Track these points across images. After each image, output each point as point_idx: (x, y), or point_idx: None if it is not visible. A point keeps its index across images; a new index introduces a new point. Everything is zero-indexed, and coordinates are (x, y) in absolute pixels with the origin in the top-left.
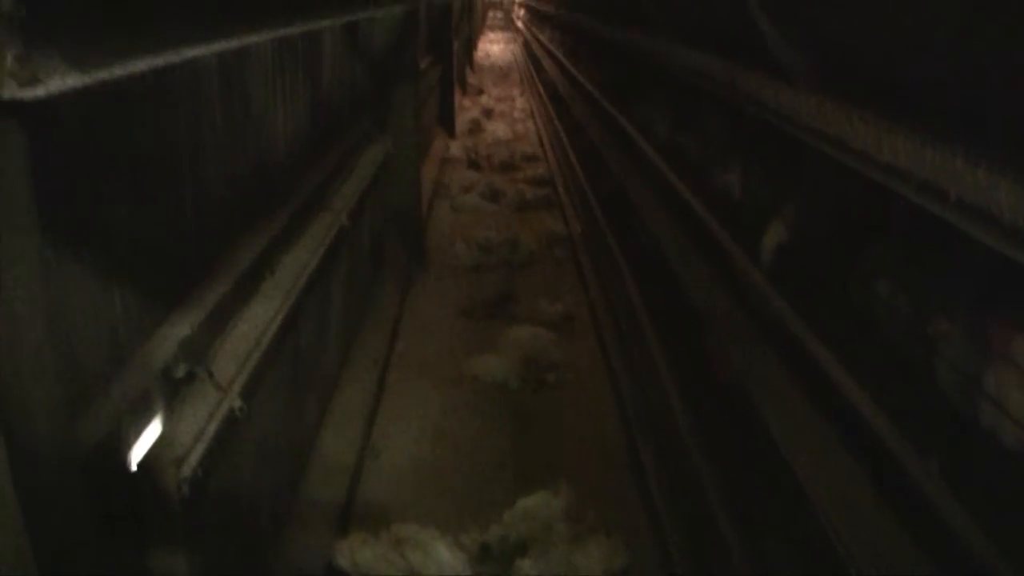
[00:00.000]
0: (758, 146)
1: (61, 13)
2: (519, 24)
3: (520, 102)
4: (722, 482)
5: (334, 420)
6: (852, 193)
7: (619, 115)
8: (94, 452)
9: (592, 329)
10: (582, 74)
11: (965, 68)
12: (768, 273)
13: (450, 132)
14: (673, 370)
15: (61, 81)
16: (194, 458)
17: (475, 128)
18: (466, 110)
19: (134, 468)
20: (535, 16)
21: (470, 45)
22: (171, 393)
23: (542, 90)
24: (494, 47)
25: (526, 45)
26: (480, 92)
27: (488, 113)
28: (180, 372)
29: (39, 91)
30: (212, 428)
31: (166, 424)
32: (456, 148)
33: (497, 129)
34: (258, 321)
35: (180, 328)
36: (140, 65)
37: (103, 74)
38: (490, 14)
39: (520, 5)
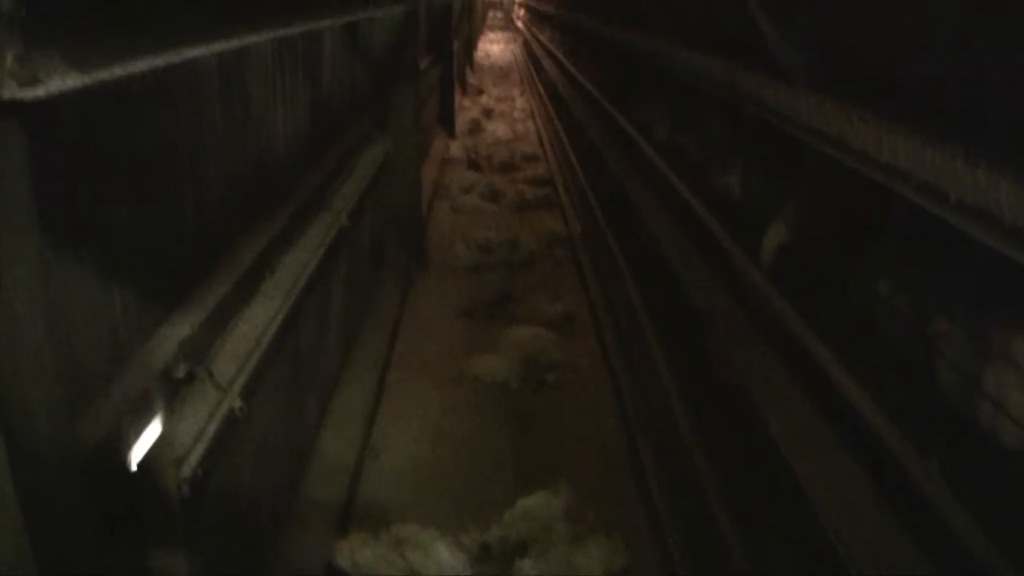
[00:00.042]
0: (758, 146)
1: (61, 13)
2: (519, 24)
3: (520, 102)
4: (722, 482)
5: (334, 420)
6: (852, 193)
7: (619, 115)
8: (94, 452)
9: (592, 329)
10: (582, 74)
11: (965, 67)
12: (768, 273)
13: (450, 132)
14: (673, 370)
15: (61, 81)
16: (194, 458)
17: (475, 128)
18: (466, 110)
19: (134, 468)
20: (535, 16)
21: (470, 45)
22: (171, 393)
23: (542, 90)
24: (494, 47)
25: (526, 45)
26: (480, 92)
27: (488, 113)
28: (180, 372)
29: (39, 91)
30: (212, 428)
31: (166, 424)
32: (456, 148)
33: (497, 129)
34: (258, 321)
35: (180, 328)
36: (140, 65)
37: (103, 74)
38: (490, 14)
39: (520, 5)
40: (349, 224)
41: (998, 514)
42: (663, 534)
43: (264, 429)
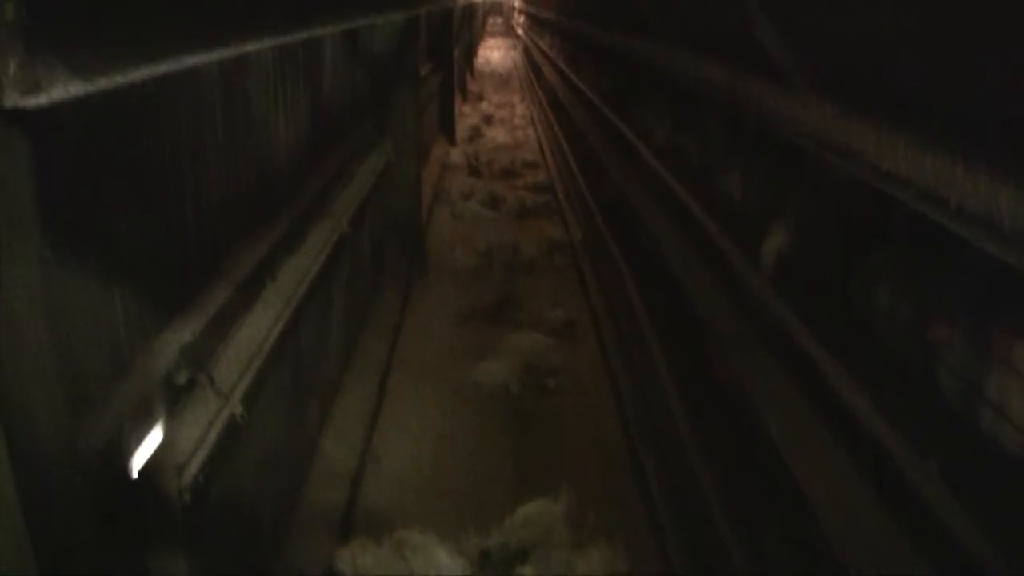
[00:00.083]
0: (758, 151)
1: (63, 21)
2: (519, 31)
3: (520, 108)
4: (722, 486)
5: (335, 425)
6: (853, 199)
7: (619, 121)
8: (96, 458)
9: (592, 335)
10: (582, 80)
11: (965, 70)
12: (769, 278)
13: (450, 138)
14: (674, 375)
15: (63, 89)
16: (195, 464)
17: (475, 134)
18: (466, 116)
19: (136, 474)
20: (535, 22)
21: (470, 51)
22: (172, 399)
23: (542, 96)
24: (494, 53)
25: (526, 51)
26: (480, 98)
27: (488, 119)
28: (181, 378)
29: (41, 99)
30: (213, 434)
31: (167, 430)
32: (456, 154)
33: (497, 135)
34: (259, 327)
35: (181, 334)
36: (141, 73)
37: (105, 82)
38: (490, 20)
39: (520, 12)
40: (350, 230)
41: (999, 517)
42: (664, 539)
43: (265, 435)
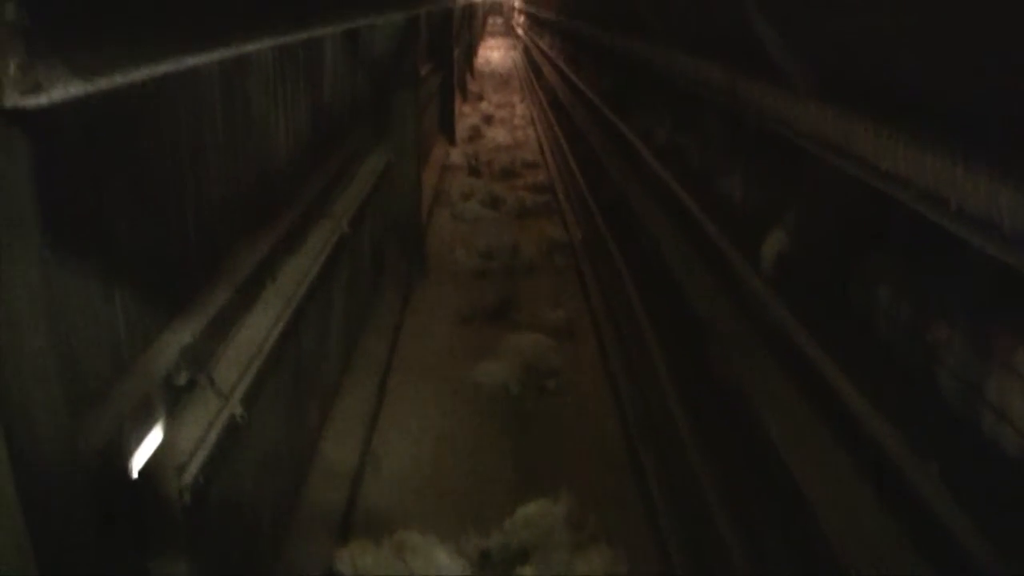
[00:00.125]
0: (758, 152)
1: (64, 22)
2: (519, 31)
3: (520, 108)
4: (723, 487)
5: (335, 426)
6: (853, 200)
7: (619, 122)
8: (96, 458)
9: (592, 335)
10: (582, 81)
11: (965, 71)
12: (769, 279)
13: (450, 139)
14: (674, 376)
15: (64, 89)
16: (195, 465)
17: (475, 135)
18: (466, 116)
19: (136, 475)
20: (535, 23)
21: (470, 52)
22: (172, 400)
23: (542, 96)
24: (494, 53)
25: (526, 51)
26: (480, 98)
27: (488, 119)
28: (182, 379)
29: (42, 99)
30: (213, 435)
31: (167, 431)
32: (456, 155)
33: (497, 136)
34: (259, 328)
35: (181, 335)
36: (141, 74)
37: (105, 82)
38: (490, 20)
39: (520, 12)
40: (350, 231)
41: (999, 519)
42: (664, 541)
43: (265, 435)
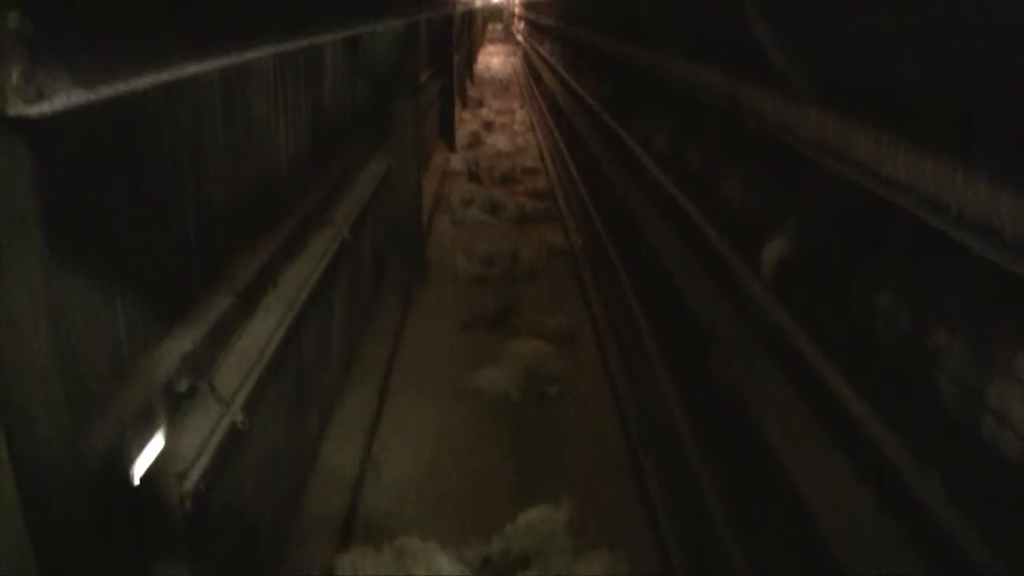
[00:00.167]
0: (759, 158)
1: (66, 30)
2: (519, 37)
3: (520, 115)
4: (724, 493)
5: (336, 433)
6: (853, 205)
7: (619, 128)
8: (97, 465)
9: (593, 342)
10: (582, 87)
11: (965, 75)
12: (769, 285)
13: (450, 145)
14: (674, 382)
15: (66, 98)
16: (197, 472)
17: (475, 141)
18: (466, 123)
19: (137, 481)
20: (534, 29)
21: (470, 58)
22: (174, 407)
23: (542, 103)
24: (494, 59)
25: (526, 58)
26: (480, 105)
27: (488, 126)
28: (182, 386)
29: (44, 108)
30: (215, 442)
31: (169, 438)
32: (456, 161)
33: (497, 142)
34: (260, 335)
35: (182, 342)
36: (144, 82)
37: (107, 90)
38: (490, 27)
39: (519, 18)
40: (351, 237)
41: (999, 523)
42: (665, 546)
43: (266, 442)
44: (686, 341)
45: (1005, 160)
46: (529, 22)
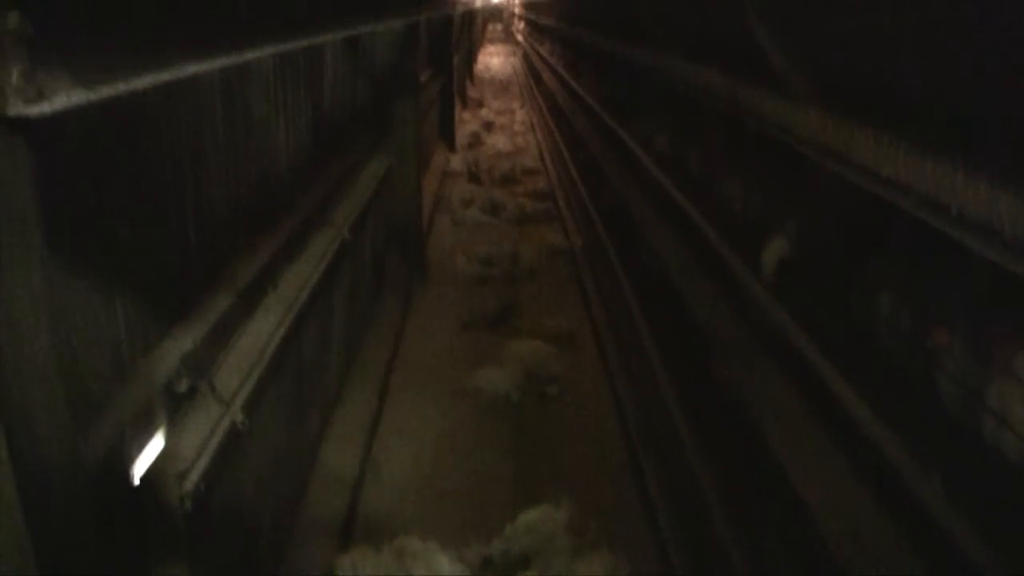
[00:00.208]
0: (759, 159)
1: (66, 30)
2: (519, 37)
3: (520, 115)
4: (724, 494)
5: (336, 433)
6: (853, 206)
7: (619, 128)
8: (97, 465)
9: (593, 342)
10: (582, 87)
11: (965, 75)
12: (769, 286)
13: (450, 145)
14: (674, 383)
15: (66, 98)
16: (197, 472)
17: (475, 141)
18: (466, 123)
19: (137, 482)
20: (535, 29)
21: (470, 58)
22: (174, 407)
23: (542, 103)
24: (494, 60)
25: (526, 58)
26: (480, 105)
27: (488, 126)
28: (182, 386)
29: (44, 108)
30: (215, 442)
31: (169, 438)
32: (456, 161)
33: (497, 142)
34: (260, 335)
35: (182, 342)
36: (144, 82)
37: (108, 91)
38: (489, 27)
39: (520, 18)
40: (351, 238)
41: (1000, 524)
42: (665, 547)
43: (266, 443)
44: (686, 342)
45: (1005, 161)
46: (529, 22)
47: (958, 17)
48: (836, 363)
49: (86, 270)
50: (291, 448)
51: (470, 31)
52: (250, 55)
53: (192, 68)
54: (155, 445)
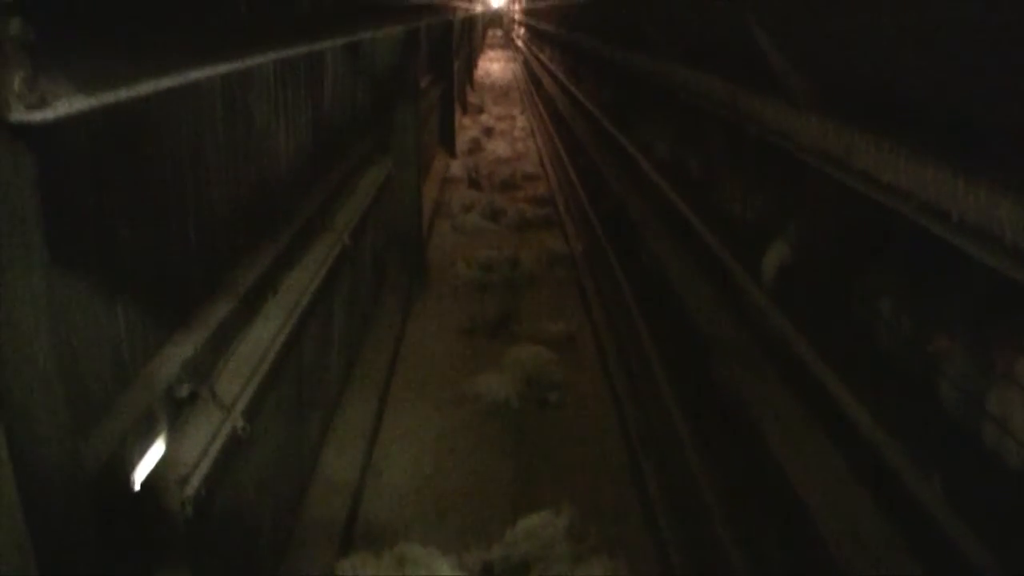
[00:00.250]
0: (759, 165)
1: (68, 36)
2: (519, 43)
3: (520, 121)
4: (725, 498)
5: (336, 439)
6: (854, 212)
7: (619, 134)
8: (99, 471)
9: (593, 348)
10: (582, 93)
11: (966, 83)
12: (770, 291)
13: (451, 151)
14: (675, 388)
15: (68, 104)
16: (198, 478)
17: (475, 147)
18: (466, 129)
19: (138, 487)
20: (535, 35)
21: (470, 64)
22: (174, 413)
23: (542, 109)
24: (494, 65)
25: (526, 64)
26: (480, 111)
27: (488, 132)
28: (183, 392)
29: (47, 114)
30: (215, 448)
31: (170, 444)
32: (457, 167)
33: (497, 148)
34: (261, 341)
35: (183, 348)
36: (146, 88)
37: (110, 97)
38: (490, 33)
39: (520, 24)
40: (351, 243)
41: (999, 528)
42: (666, 553)
43: (267, 448)
44: (686, 345)
45: (1005, 167)
46: (529, 28)
47: (959, 24)
48: (836, 367)
49: (87, 274)
50: (291, 453)
51: (470, 37)
52: (252, 62)
53: (194, 75)
54: (156, 450)
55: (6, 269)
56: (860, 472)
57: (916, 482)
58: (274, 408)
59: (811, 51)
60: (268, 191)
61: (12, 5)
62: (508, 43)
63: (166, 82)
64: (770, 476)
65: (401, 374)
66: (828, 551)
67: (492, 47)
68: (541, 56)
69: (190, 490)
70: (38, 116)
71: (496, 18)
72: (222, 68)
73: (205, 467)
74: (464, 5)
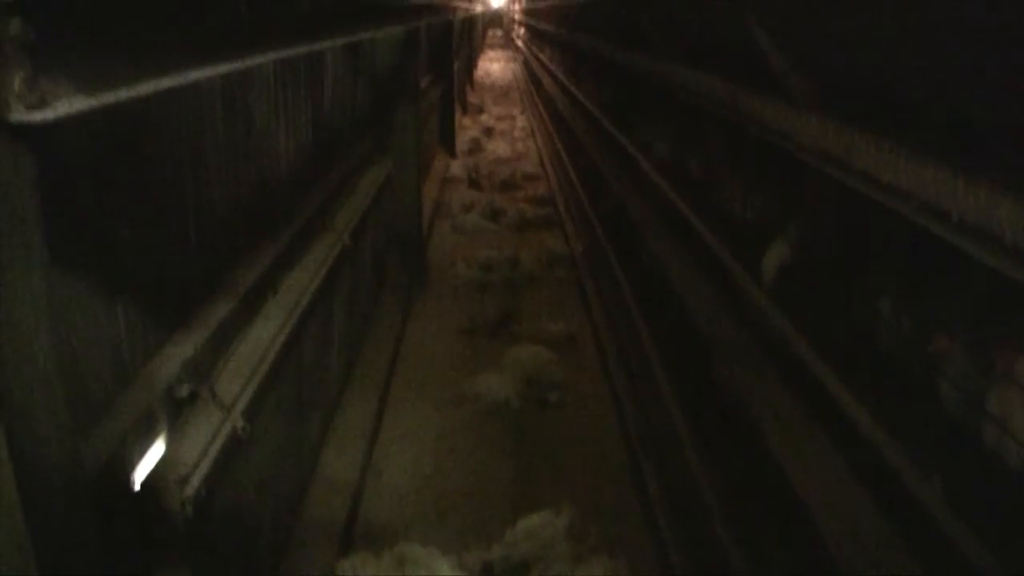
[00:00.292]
0: (760, 165)
1: (68, 36)
2: (519, 43)
3: (520, 121)
4: (725, 499)
5: (336, 439)
6: (854, 212)
7: (620, 134)
8: (99, 471)
9: (594, 347)
10: (582, 93)
11: (966, 84)
12: (770, 291)
13: (451, 151)
14: (675, 388)
15: (68, 104)
16: (198, 478)
17: (475, 147)
18: (466, 129)
19: (138, 487)
20: (535, 35)
21: (470, 64)
22: (175, 413)
23: (542, 109)
24: (494, 66)
25: (526, 64)
26: (480, 111)
27: (488, 132)
28: (183, 392)
29: (47, 114)
30: (215, 448)
31: (170, 444)
32: (457, 167)
33: (497, 148)
34: (261, 341)
35: (183, 348)
36: (146, 88)
37: (110, 97)
38: (490, 33)
39: (520, 24)
40: (351, 243)
41: (999, 527)
42: (666, 553)
43: (267, 448)
44: (687, 346)
45: (1005, 167)
46: (529, 28)
47: (958, 26)
48: (836, 367)
49: (87, 275)
50: (291, 453)
51: (470, 37)
52: (252, 62)
53: (194, 75)
54: (156, 450)
55: (6, 269)
56: (860, 472)
57: (916, 482)
58: (274, 408)
59: (811, 51)
60: (268, 191)
61: (12, 5)
62: (508, 43)
63: (166, 82)
64: (770, 476)
65: (401, 374)
66: (828, 551)
67: (492, 47)
68: (541, 56)
69: (190, 490)
70: (38, 116)
71: (496, 18)
72: (222, 68)
73: (205, 467)
74: (464, 5)
